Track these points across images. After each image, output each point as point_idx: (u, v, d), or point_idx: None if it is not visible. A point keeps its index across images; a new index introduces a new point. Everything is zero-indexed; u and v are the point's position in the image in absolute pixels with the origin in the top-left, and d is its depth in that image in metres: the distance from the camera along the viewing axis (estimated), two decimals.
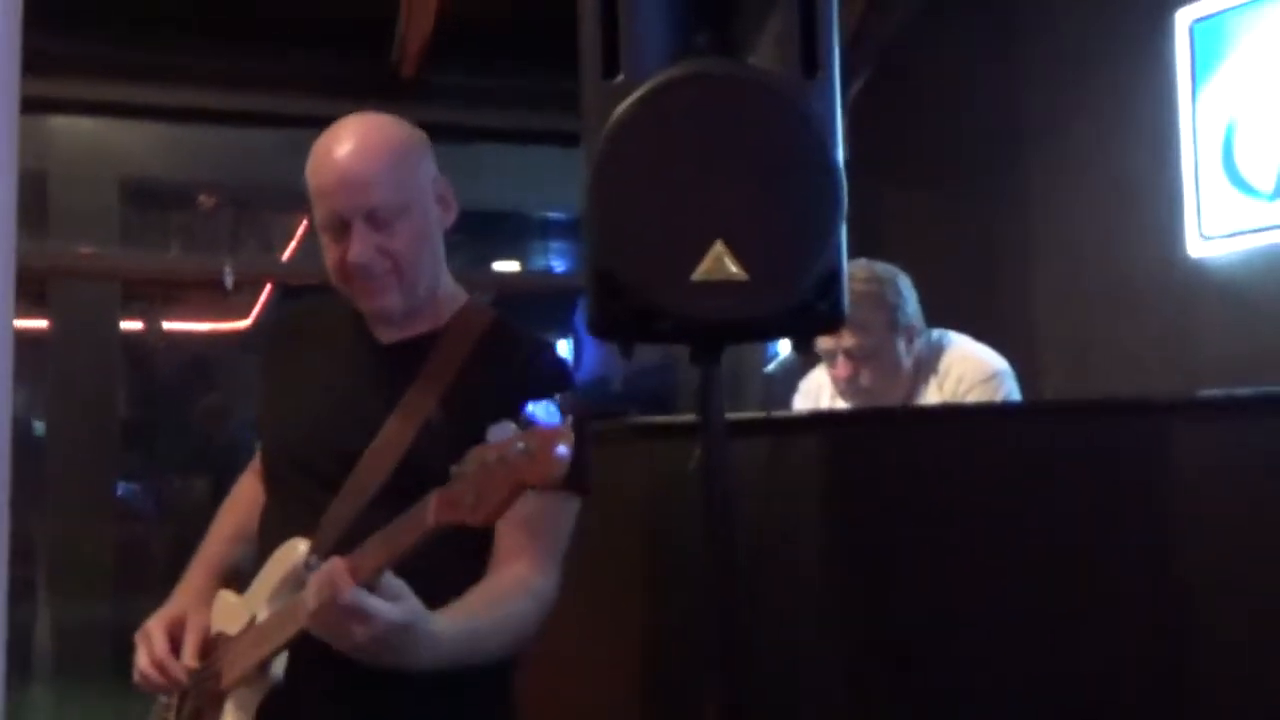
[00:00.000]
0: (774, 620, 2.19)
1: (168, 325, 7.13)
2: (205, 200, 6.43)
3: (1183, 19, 3.60)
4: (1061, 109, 4.04)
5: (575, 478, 1.47)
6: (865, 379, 2.76)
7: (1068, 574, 2.14)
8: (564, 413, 1.50)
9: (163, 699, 1.88)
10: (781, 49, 1.97)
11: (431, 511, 1.51)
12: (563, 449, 1.44)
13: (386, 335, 1.89)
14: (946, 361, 2.78)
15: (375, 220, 1.78)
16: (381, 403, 1.79)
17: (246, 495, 1.99)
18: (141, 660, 1.78)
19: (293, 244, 6.23)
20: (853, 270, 2.73)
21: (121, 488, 6.49)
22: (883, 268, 2.83)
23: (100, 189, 5.38)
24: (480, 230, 6.12)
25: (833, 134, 1.97)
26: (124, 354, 6.40)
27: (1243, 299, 3.51)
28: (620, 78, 1.94)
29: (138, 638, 1.80)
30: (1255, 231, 3.47)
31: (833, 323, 1.97)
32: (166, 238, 6.42)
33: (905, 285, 2.80)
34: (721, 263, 1.91)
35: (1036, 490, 2.17)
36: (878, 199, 4.60)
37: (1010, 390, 2.75)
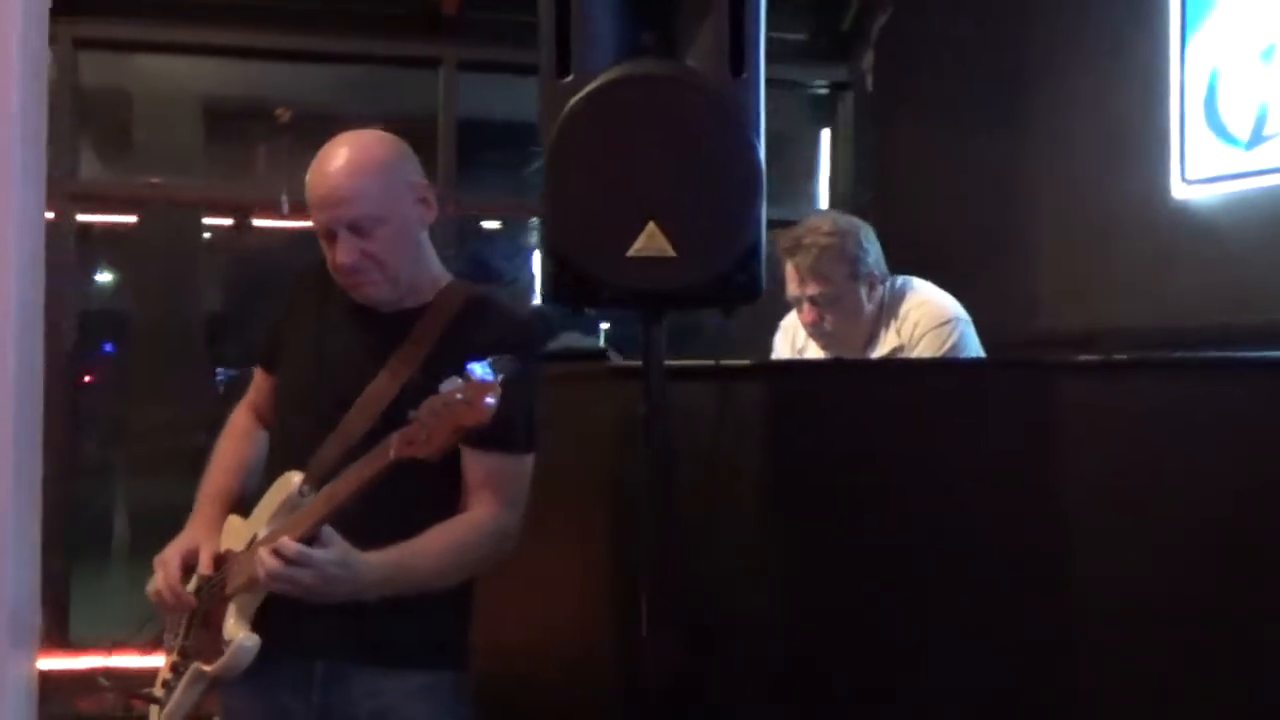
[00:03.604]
0: (717, 543, 2.51)
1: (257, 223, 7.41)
2: (282, 112, 6.77)
3: None
4: (1062, 53, 4.21)
5: (499, 438, 1.91)
6: (829, 323, 3.04)
7: (967, 519, 2.42)
8: (496, 373, 1.87)
9: None
10: (713, 51, 2.25)
11: (393, 447, 1.91)
12: (490, 399, 1.85)
13: (384, 307, 2.22)
14: (906, 307, 3.05)
15: (357, 229, 2.11)
16: (373, 361, 2.15)
17: (241, 427, 2.36)
18: (157, 583, 2.16)
19: None
20: (817, 224, 3.05)
21: (221, 373, 6.97)
22: (845, 221, 3.10)
23: (182, 106, 5.78)
24: (517, 138, 6.40)
25: (755, 127, 2.26)
26: (214, 249, 6.86)
27: (1220, 239, 3.70)
28: (570, 77, 2.25)
29: (156, 563, 2.17)
30: (1233, 177, 3.66)
31: (751, 294, 2.27)
32: (249, 147, 6.79)
33: (867, 237, 3.06)
34: (654, 240, 2.22)
35: (946, 440, 2.45)
36: (895, 128, 4.83)
37: (962, 335, 3.00)
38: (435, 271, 2.25)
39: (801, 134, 5.50)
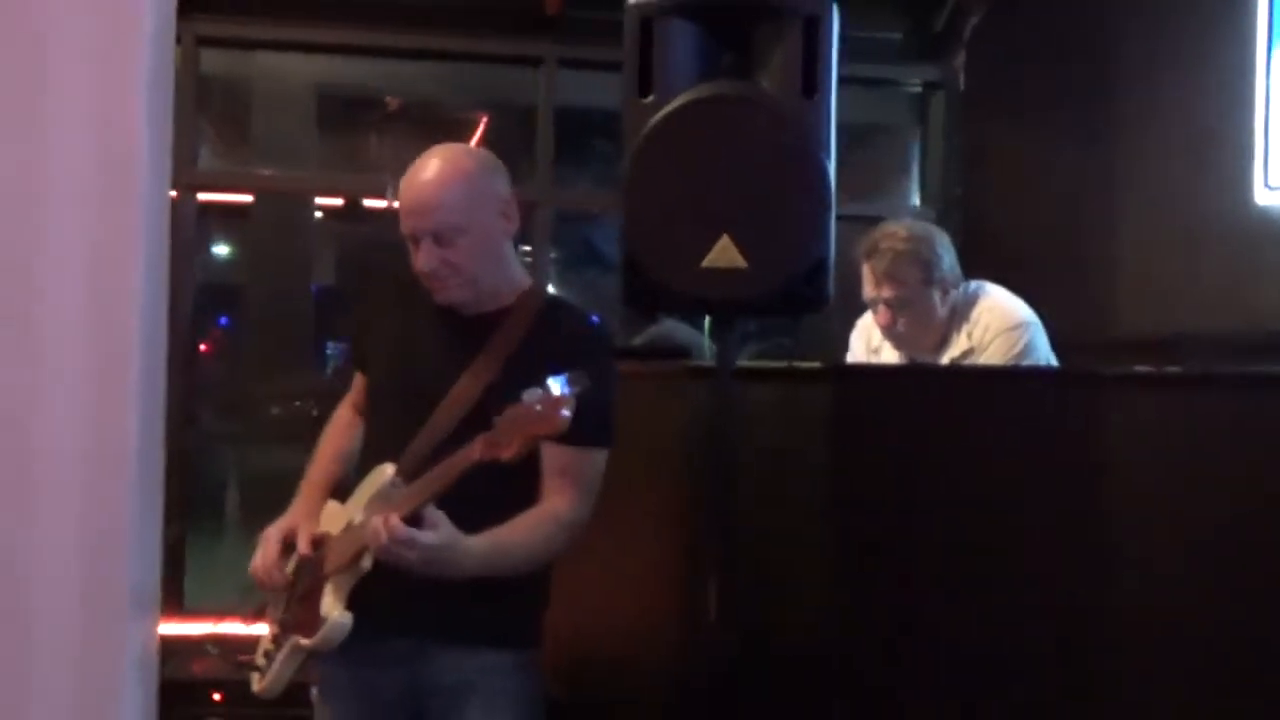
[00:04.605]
0: (780, 541, 2.65)
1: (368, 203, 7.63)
2: (392, 101, 7.00)
3: None
4: (1148, 57, 4.24)
5: (575, 433, 2.08)
6: (902, 325, 3.15)
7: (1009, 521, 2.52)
8: (571, 385, 2.04)
9: None
10: (786, 73, 2.38)
11: (478, 449, 2.11)
12: (565, 412, 2.05)
13: (465, 309, 2.39)
14: (977, 311, 3.14)
15: (439, 238, 2.29)
16: (457, 363, 2.32)
17: (343, 421, 2.55)
18: (257, 561, 2.36)
19: None
20: (894, 229, 3.17)
21: (330, 347, 7.23)
22: (921, 227, 3.21)
23: (296, 95, 6.02)
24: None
25: (825, 145, 2.38)
26: (325, 227, 7.11)
27: None
28: (652, 97, 2.39)
29: (259, 540, 2.38)
30: None
31: (818, 304, 2.40)
32: (359, 135, 7.03)
33: (941, 243, 3.16)
34: (727, 252, 2.36)
35: (1008, 448, 2.55)
36: (985, 127, 4.90)
37: (1032, 340, 3.10)
38: (516, 277, 2.41)
39: (897, 131, 5.59)
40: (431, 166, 2.31)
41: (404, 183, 2.33)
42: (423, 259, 2.30)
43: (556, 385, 2.05)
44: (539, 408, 2.04)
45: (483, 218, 2.32)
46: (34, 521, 2.13)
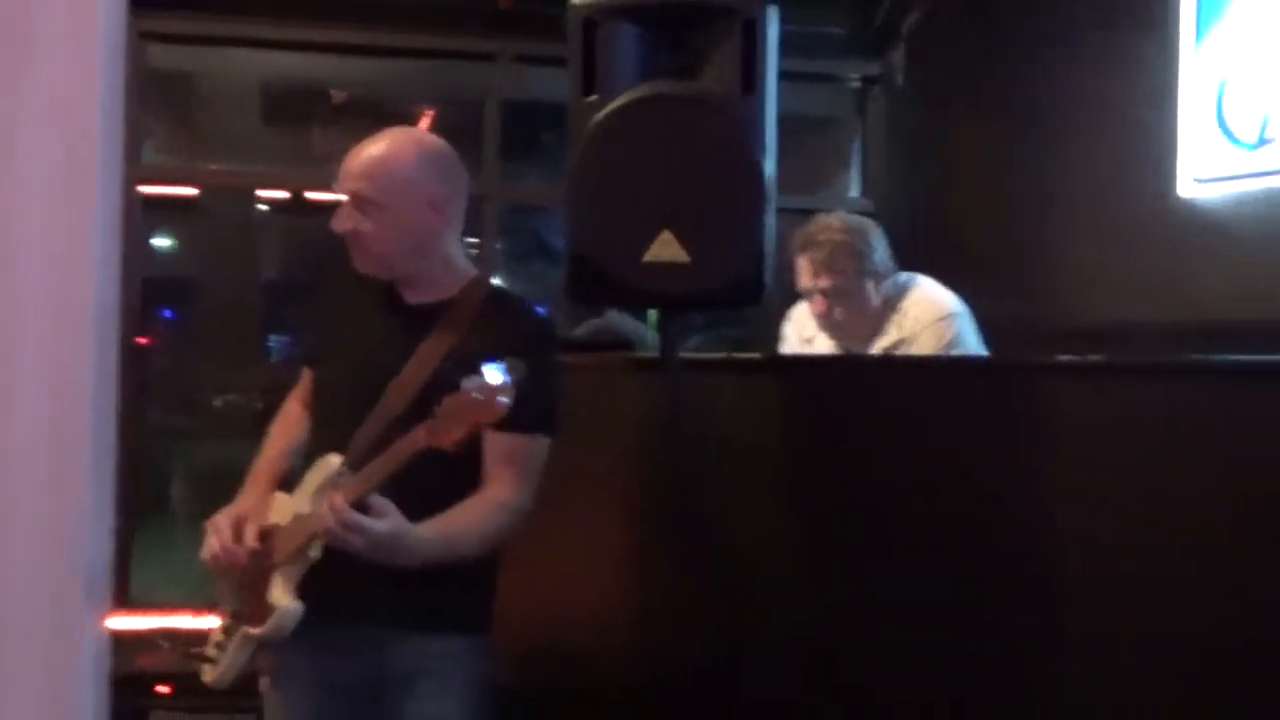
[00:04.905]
0: (730, 526, 2.72)
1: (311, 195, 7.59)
2: (338, 95, 7.00)
3: None
4: (1079, 53, 4.35)
5: (518, 420, 2.16)
6: (838, 314, 3.25)
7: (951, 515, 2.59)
8: (509, 373, 2.10)
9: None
10: (726, 73, 2.45)
11: (421, 437, 2.16)
12: (503, 399, 2.10)
13: (411, 298, 2.45)
14: (907, 302, 3.26)
15: (356, 205, 2.36)
16: (402, 352, 2.37)
17: (291, 416, 2.59)
18: (212, 546, 2.39)
19: None
20: (829, 221, 3.26)
21: (273, 340, 7.23)
22: (855, 220, 3.31)
23: (241, 89, 6.02)
24: None
25: (764, 143, 2.46)
26: (272, 219, 7.10)
27: (1227, 236, 3.85)
28: (595, 96, 2.46)
29: (209, 526, 2.40)
30: (1240, 177, 3.81)
31: (757, 296, 2.48)
32: (304, 128, 7.03)
33: (875, 235, 3.27)
34: (668, 247, 2.43)
35: (942, 437, 2.63)
36: (923, 122, 5.00)
37: (960, 330, 3.21)
38: (459, 268, 2.46)
39: (837, 125, 5.68)
40: (378, 141, 2.38)
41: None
42: (338, 219, 2.37)
43: (494, 372, 2.10)
44: (477, 395, 2.09)
45: (405, 203, 2.36)
46: None
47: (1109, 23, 4.19)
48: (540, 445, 2.37)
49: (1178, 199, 3.96)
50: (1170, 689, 2.36)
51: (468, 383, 2.11)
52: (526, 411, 2.18)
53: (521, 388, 2.10)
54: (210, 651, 2.46)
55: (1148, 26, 4.02)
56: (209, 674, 2.46)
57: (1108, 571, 2.45)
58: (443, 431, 2.13)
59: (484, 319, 2.38)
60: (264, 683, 2.48)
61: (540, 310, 2.53)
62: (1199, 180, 3.92)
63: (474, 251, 5.00)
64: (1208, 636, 2.32)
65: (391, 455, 2.19)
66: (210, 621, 2.50)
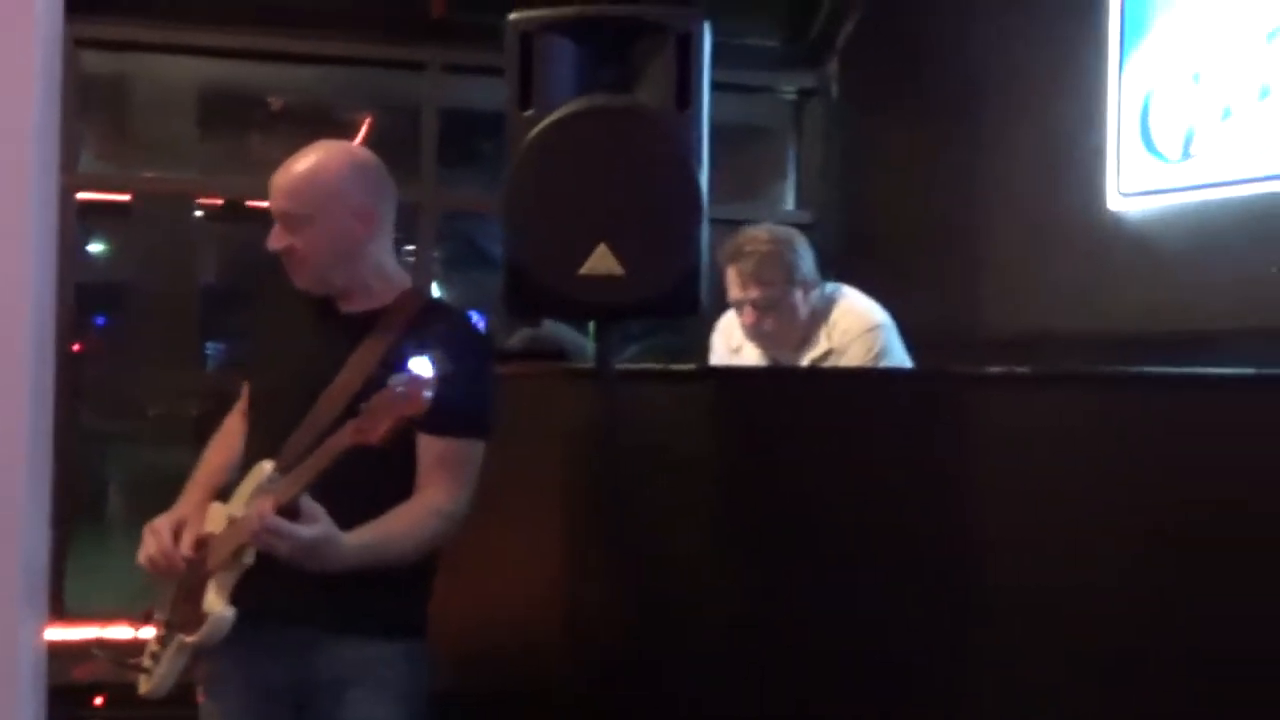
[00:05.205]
0: (664, 530, 2.76)
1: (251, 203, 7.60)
2: (274, 101, 6.98)
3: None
4: (1010, 66, 4.45)
5: (450, 423, 2.20)
6: (768, 325, 3.28)
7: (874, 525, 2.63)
8: (436, 366, 2.13)
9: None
10: (661, 87, 2.49)
11: (348, 434, 2.17)
12: (426, 393, 2.11)
13: (345, 308, 2.46)
14: (835, 314, 3.30)
15: (285, 223, 2.39)
16: (336, 359, 2.39)
17: (231, 430, 2.60)
18: (150, 549, 2.39)
19: None
20: (756, 233, 3.31)
21: (210, 347, 7.18)
22: (783, 231, 3.35)
23: (177, 95, 5.99)
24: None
25: (699, 156, 2.50)
26: (207, 226, 7.05)
27: (1152, 249, 3.95)
28: (532, 110, 2.49)
29: (146, 531, 2.40)
30: (1165, 191, 3.90)
31: (691, 309, 2.51)
32: (242, 135, 7.00)
33: (802, 246, 3.31)
34: (604, 260, 2.47)
35: (872, 447, 2.67)
36: (859, 133, 5.08)
37: (887, 341, 3.26)
38: (391, 277, 2.47)
39: (773, 136, 5.74)
40: (302, 157, 2.40)
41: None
42: (271, 238, 2.40)
43: (419, 366, 2.12)
44: (401, 389, 2.11)
45: (331, 215, 2.38)
46: None
47: (1040, 33, 4.28)
48: (475, 449, 2.39)
49: (1105, 211, 4.06)
50: (1100, 699, 2.39)
51: (394, 379, 2.13)
52: (460, 415, 2.19)
53: (455, 392, 2.12)
54: (146, 662, 2.45)
55: (1079, 38, 4.12)
56: (145, 684, 2.45)
57: (1036, 581, 2.48)
58: (369, 427, 2.13)
59: (417, 327, 2.40)
60: (200, 693, 2.49)
61: (474, 318, 2.55)
62: (1125, 194, 4.02)
63: (410, 259, 5.01)
64: (1134, 646, 2.37)
65: (320, 454, 2.19)
66: (148, 632, 2.50)
